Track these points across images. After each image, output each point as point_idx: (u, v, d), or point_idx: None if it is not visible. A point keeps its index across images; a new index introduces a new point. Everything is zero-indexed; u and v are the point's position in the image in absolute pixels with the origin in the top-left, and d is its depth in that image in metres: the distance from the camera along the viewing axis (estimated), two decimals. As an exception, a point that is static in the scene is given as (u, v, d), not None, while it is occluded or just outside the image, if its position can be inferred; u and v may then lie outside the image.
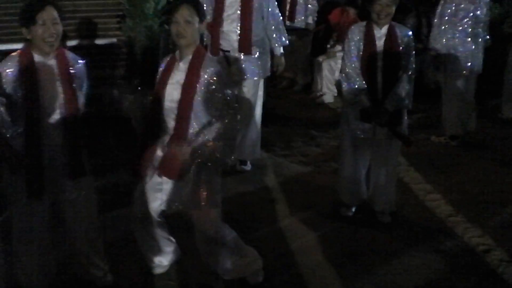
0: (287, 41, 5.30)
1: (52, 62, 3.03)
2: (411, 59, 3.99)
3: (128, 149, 5.25)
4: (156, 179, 3.20)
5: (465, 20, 5.58)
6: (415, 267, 3.68)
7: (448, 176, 5.15)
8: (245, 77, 4.99)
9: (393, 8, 3.92)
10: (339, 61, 5.48)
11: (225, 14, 4.90)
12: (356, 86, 3.97)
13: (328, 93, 7.61)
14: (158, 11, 6.10)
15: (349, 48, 4.05)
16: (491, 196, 4.74)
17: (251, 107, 5.10)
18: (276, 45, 5.16)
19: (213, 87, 3.06)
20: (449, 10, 5.61)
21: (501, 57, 6.55)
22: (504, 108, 6.82)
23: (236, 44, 4.93)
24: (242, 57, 4.96)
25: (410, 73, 3.98)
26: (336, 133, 5.68)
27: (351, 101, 4.05)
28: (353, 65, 4.01)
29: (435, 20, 5.76)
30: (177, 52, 3.18)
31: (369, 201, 4.35)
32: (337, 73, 7.11)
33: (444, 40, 5.65)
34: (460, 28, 5.60)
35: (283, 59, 5.31)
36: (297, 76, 8.41)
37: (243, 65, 4.97)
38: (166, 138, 3.15)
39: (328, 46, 7.64)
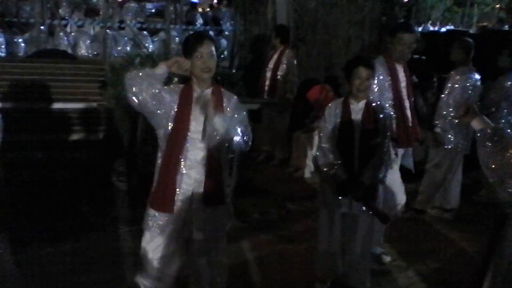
0: None
1: None
2: (387, 134, 4.07)
3: (105, 212, 5.29)
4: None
5: None
6: None
7: (424, 253, 5.12)
8: None
9: (371, 82, 4.05)
10: (317, 137, 5.54)
11: None
12: (332, 160, 4.00)
13: (305, 168, 7.63)
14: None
15: (325, 123, 4.11)
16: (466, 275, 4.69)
17: None
18: None
19: (236, 113, 3.30)
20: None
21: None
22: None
23: None
24: None
25: (386, 148, 4.04)
26: (313, 208, 5.66)
27: (327, 174, 4.06)
28: (329, 139, 4.06)
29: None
30: (193, 85, 3.32)
31: (343, 277, 4.29)
32: (314, 148, 7.17)
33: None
34: None
35: None
36: (275, 150, 8.44)
37: None
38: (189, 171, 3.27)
39: (307, 121, 7.74)
